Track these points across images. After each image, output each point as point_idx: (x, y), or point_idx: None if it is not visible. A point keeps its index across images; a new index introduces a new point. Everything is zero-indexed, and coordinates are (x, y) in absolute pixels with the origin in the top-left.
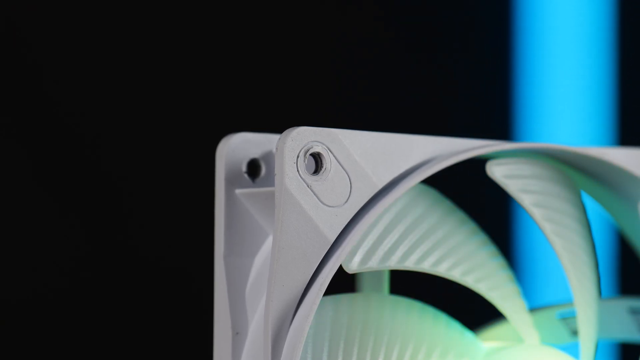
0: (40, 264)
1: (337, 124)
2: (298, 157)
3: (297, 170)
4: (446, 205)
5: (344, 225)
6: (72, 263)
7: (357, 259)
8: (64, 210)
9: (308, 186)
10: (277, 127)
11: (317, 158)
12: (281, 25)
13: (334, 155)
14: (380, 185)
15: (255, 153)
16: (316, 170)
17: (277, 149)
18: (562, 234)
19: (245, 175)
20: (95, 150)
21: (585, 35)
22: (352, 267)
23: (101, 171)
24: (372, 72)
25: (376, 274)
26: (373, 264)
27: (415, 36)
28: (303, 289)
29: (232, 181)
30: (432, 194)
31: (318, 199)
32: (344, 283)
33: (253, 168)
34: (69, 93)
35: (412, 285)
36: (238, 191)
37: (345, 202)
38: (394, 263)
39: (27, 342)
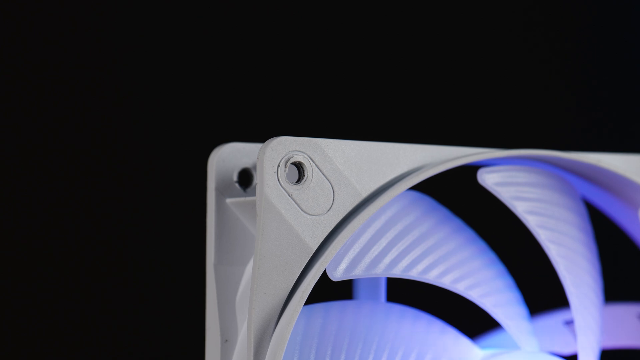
0: (33, 265)
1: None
2: (279, 166)
3: (278, 180)
4: (441, 213)
5: (326, 234)
6: (64, 267)
7: (342, 266)
8: (57, 216)
9: (289, 195)
10: (273, 136)
11: (298, 167)
12: (278, 29)
13: (315, 164)
14: (364, 194)
15: (246, 163)
16: (298, 180)
17: (258, 158)
18: (557, 241)
19: (237, 185)
20: (88, 161)
21: None
22: (336, 275)
23: (93, 181)
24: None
25: (372, 281)
26: (359, 271)
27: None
28: (286, 297)
29: (223, 191)
30: (426, 201)
31: (299, 208)
32: (340, 291)
33: (244, 177)
34: (63, 100)
35: (413, 292)
36: (229, 200)
37: (328, 210)
38: (381, 271)
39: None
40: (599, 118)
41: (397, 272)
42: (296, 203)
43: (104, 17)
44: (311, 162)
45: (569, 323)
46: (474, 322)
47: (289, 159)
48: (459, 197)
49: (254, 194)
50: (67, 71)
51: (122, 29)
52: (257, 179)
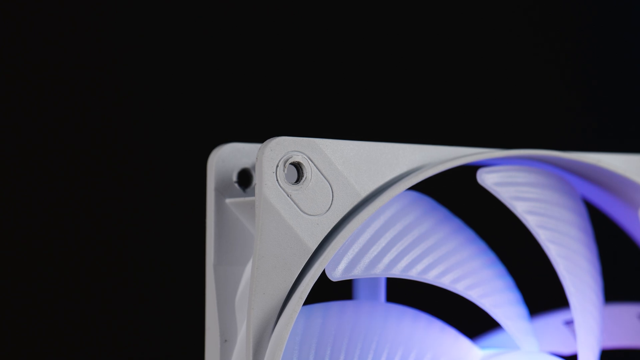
0: (35, 266)
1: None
2: (277, 166)
3: (277, 180)
4: (441, 213)
5: (325, 234)
6: (64, 267)
7: (341, 266)
8: (57, 216)
9: (288, 195)
10: (272, 136)
11: (297, 167)
12: (277, 29)
13: (314, 165)
14: (363, 194)
15: (246, 163)
16: (297, 180)
17: (257, 158)
18: (557, 241)
19: (236, 185)
20: (88, 160)
21: None
22: (335, 275)
23: (93, 181)
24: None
25: (372, 281)
26: (358, 272)
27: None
28: (285, 297)
29: (223, 191)
30: (426, 201)
31: (298, 208)
32: (339, 291)
33: (244, 177)
34: (63, 100)
35: (413, 292)
36: (228, 200)
37: (327, 210)
38: (380, 271)
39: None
40: (599, 118)
41: (397, 272)
42: (295, 203)
43: (104, 17)
44: (310, 162)
45: (569, 323)
46: (474, 322)
47: (287, 159)
48: (458, 197)
49: (253, 194)
50: (67, 71)
51: (122, 29)
52: (256, 179)
